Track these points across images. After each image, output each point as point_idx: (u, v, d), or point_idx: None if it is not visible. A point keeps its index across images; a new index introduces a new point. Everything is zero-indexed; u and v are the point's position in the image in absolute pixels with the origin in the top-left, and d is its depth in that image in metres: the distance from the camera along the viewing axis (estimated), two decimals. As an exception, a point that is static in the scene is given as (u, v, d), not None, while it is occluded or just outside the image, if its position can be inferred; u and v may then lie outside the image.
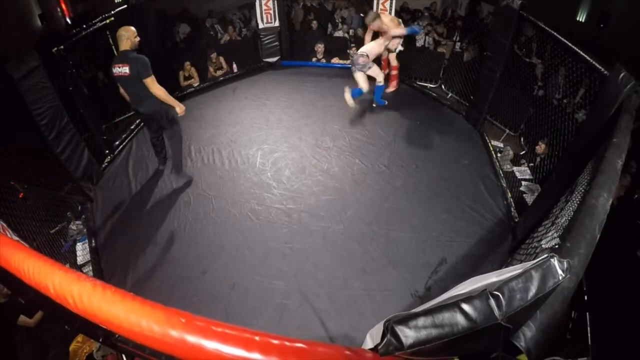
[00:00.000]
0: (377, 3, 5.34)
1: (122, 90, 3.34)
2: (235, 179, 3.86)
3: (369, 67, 4.57)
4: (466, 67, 5.10)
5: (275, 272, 2.95)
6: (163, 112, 3.36)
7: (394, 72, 5.12)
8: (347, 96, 4.59)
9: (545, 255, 1.05)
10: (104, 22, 4.01)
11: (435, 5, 7.87)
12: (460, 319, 0.89)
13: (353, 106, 4.66)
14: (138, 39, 3.21)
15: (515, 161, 4.19)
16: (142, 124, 4.78)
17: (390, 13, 5.32)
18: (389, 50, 4.89)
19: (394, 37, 4.69)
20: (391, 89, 5.13)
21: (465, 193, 3.66)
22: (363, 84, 4.62)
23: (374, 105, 4.94)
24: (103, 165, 4.08)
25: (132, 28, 3.20)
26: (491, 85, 4.25)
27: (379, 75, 4.71)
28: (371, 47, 4.62)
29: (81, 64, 5.01)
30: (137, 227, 3.40)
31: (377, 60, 4.88)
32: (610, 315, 2.63)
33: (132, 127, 4.68)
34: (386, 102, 4.96)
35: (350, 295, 2.77)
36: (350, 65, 5.69)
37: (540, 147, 3.89)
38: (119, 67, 3.14)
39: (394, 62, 5.06)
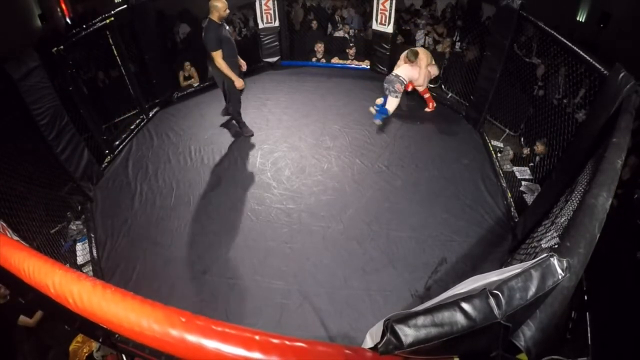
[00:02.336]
0: (377, 3, 5.33)
1: None
2: (235, 179, 3.86)
3: (396, 97, 4.57)
4: (466, 67, 5.10)
5: (275, 272, 2.95)
6: (220, 80, 3.90)
7: (426, 95, 4.97)
8: (372, 110, 4.71)
9: (545, 255, 1.05)
10: (104, 22, 4.01)
11: (435, 5, 7.86)
12: (460, 318, 0.89)
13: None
14: (227, 12, 3.61)
15: (515, 161, 4.19)
16: (142, 123, 4.80)
17: (390, 13, 5.31)
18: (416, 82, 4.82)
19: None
20: (429, 109, 4.97)
21: (465, 193, 3.66)
22: (390, 107, 4.65)
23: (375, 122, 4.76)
24: (103, 165, 4.07)
25: (225, 1, 3.54)
26: (491, 85, 4.25)
27: (392, 105, 4.63)
28: (407, 72, 4.58)
29: (81, 64, 5.00)
30: (137, 227, 3.40)
31: None
32: (610, 315, 2.64)
33: (132, 127, 4.67)
34: (380, 122, 4.72)
35: (350, 295, 2.78)
36: (349, 66, 5.69)
37: (539, 147, 3.89)
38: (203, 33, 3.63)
39: (418, 88, 4.93)
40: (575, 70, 3.41)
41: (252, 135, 4.42)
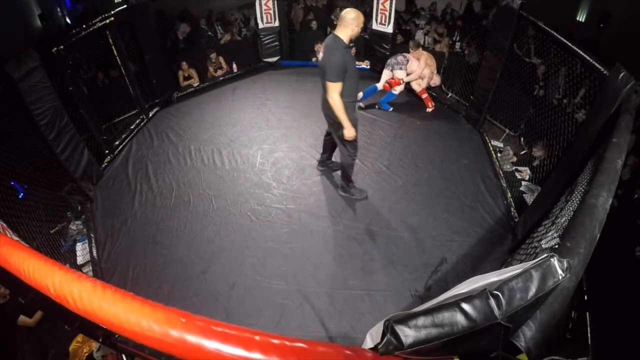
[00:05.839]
0: (377, 3, 5.33)
1: None
2: (235, 179, 3.86)
3: (398, 69, 4.76)
4: (466, 67, 5.10)
5: (275, 272, 2.95)
6: (335, 123, 2.93)
7: (424, 96, 5.03)
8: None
9: (545, 255, 1.05)
10: (104, 22, 4.01)
11: (435, 5, 7.86)
12: (460, 318, 0.89)
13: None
14: (359, 31, 2.72)
15: (515, 162, 4.18)
16: (142, 123, 4.80)
17: (390, 13, 5.31)
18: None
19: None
20: (429, 109, 5.00)
21: (465, 193, 3.66)
22: (382, 81, 4.90)
23: (377, 107, 4.95)
24: (103, 165, 4.08)
25: (362, 17, 2.69)
26: (491, 85, 4.25)
27: (400, 84, 4.83)
28: (414, 61, 4.85)
29: (81, 64, 5.00)
30: (137, 227, 3.39)
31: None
32: (610, 315, 2.64)
33: (132, 127, 4.67)
34: (390, 109, 4.93)
35: (350, 295, 2.77)
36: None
37: (537, 152, 3.88)
38: (320, 52, 2.79)
39: (415, 87, 5.05)
40: (575, 70, 3.41)
41: (367, 197, 3.54)
